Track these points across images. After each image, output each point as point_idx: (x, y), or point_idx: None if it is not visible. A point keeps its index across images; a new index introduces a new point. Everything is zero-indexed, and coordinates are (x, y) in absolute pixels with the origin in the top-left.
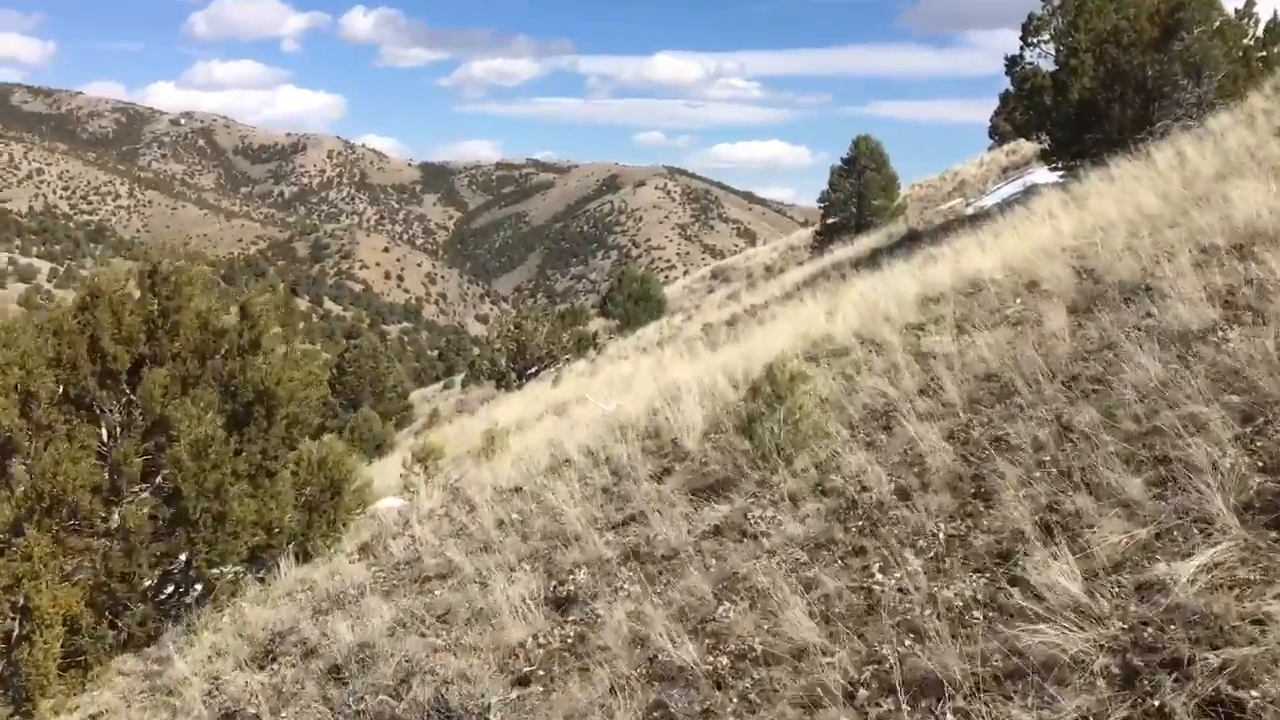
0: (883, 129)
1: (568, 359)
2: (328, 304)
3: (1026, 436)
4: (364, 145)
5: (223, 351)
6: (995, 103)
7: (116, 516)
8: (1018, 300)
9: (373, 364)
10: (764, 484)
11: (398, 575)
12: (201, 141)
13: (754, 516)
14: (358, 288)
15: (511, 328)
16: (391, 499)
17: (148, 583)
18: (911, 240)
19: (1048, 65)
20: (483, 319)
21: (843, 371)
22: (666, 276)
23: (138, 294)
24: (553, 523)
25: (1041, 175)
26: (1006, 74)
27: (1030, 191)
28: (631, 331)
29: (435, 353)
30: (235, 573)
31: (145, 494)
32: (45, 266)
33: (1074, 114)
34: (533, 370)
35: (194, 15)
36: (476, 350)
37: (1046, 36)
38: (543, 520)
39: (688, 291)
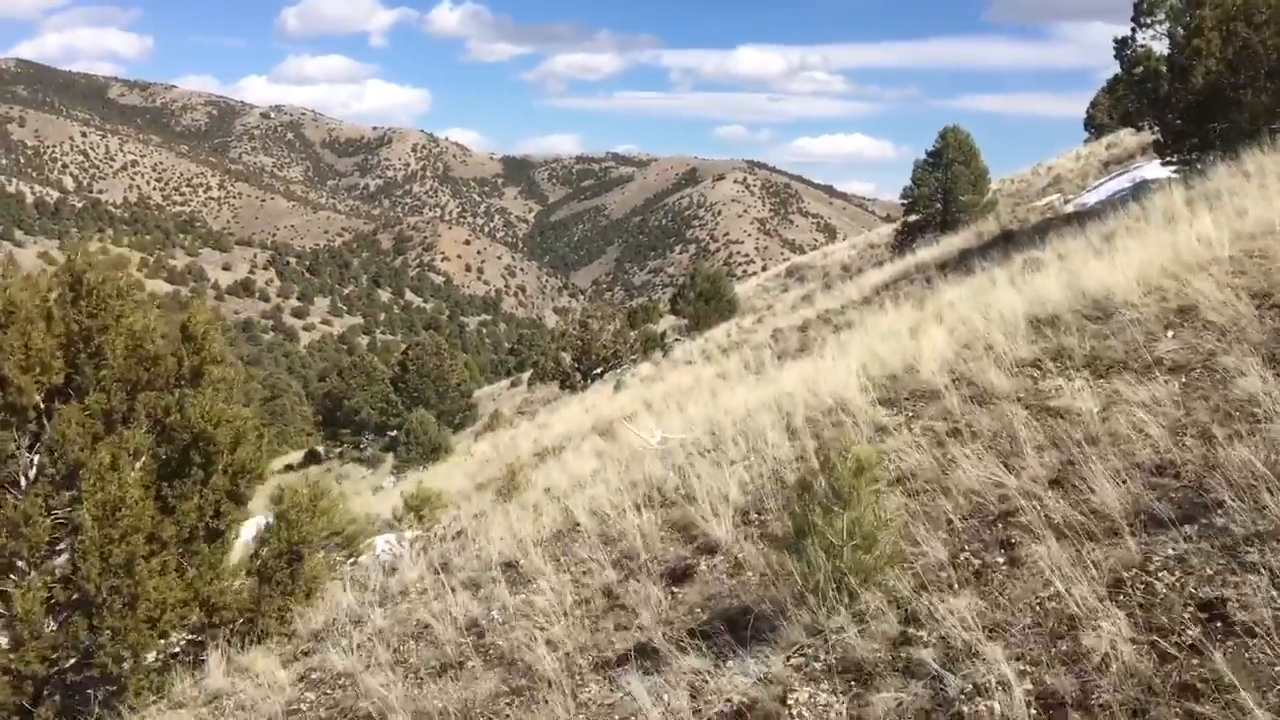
0: (971, 122)
1: (634, 359)
2: (409, 295)
3: (1264, 606)
4: (447, 139)
5: (159, 383)
6: (1089, 95)
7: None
8: (1169, 333)
9: (436, 361)
10: (814, 631)
11: (322, 703)
12: (290, 135)
13: (797, 702)
14: (439, 280)
15: (576, 327)
16: (386, 538)
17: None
18: (1005, 241)
19: (1162, 48)
20: (561, 312)
21: (932, 431)
22: (745, 270)
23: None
24: (528, 649)
25: (1152, 170)
26: (1115, 58)
27: (1140, 188)
28: (700, 332)
29: (508, 347)
30: (158, 664)
31: (60, 561)
32: (136, 256)
33: (1195, 101)
34: (598, 370)
35: (286, 10)
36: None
37: (1161, 16)
38: (519, 635)
39: (761, 290)
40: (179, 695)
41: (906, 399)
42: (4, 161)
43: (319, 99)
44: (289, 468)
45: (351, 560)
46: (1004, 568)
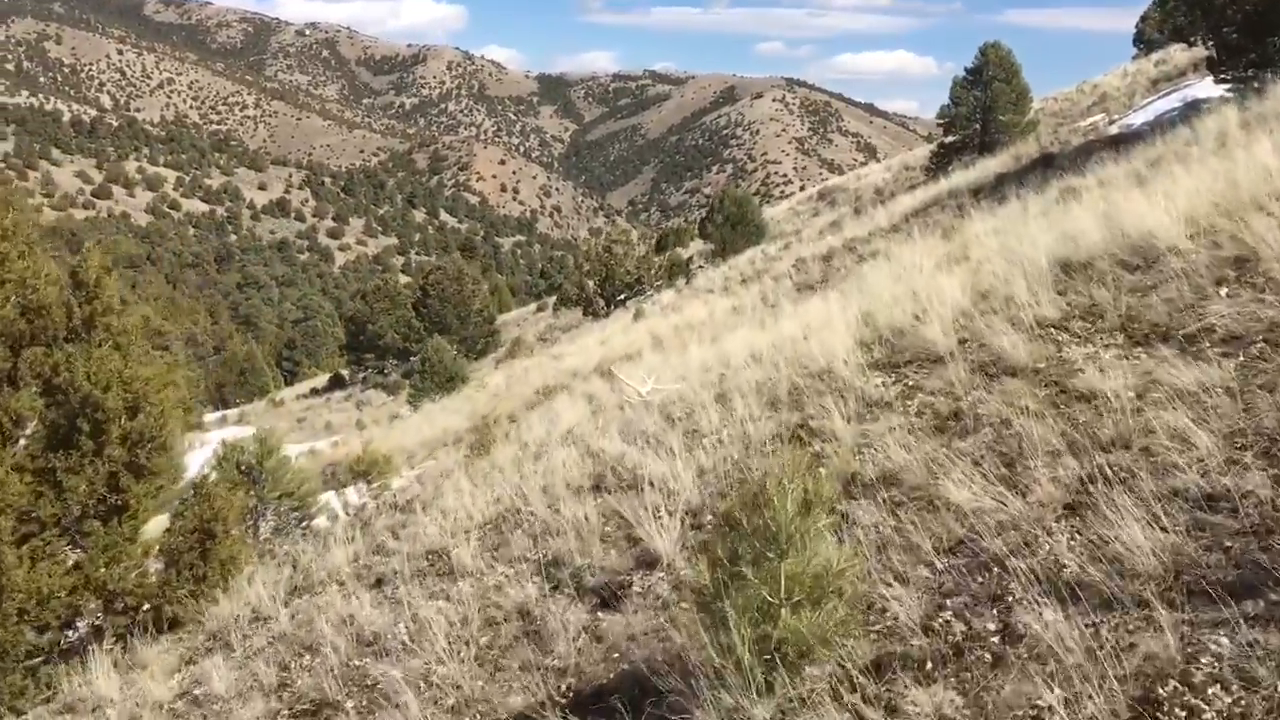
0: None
1: (659, 284)
2: (444, 216)
3: None
4: (483, 57)
5: (44, 337)
6: (1139, 9)
7: None
8: (1221, 291)
9: (457, 287)
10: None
11: None
12: (325, 52)
13: None
14: (473, 200)
15: (600, 251)
16: (334, 496)
17: None
18: (1044, 165)
19: None
20: (596, 233)
21: (929, 411)
22: (782, 191)
23: None
24: (405, 685)
25: (1204, 89)
26: None
27: (1191, 108)
28: (726, 258)
29: (539, 269)
30: (42, 659)
31: None
32: (172, 175)
33: (1253, 12)
34: (622, 297)
35: None
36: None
37: None
38: (415, 664)
39: (792, 214)
40: (69, 696)
41: (908, 363)
42: (42, 80)
43: (354, 16)
44: (314, 391)
45: (303, 524)
46: (994, 643)
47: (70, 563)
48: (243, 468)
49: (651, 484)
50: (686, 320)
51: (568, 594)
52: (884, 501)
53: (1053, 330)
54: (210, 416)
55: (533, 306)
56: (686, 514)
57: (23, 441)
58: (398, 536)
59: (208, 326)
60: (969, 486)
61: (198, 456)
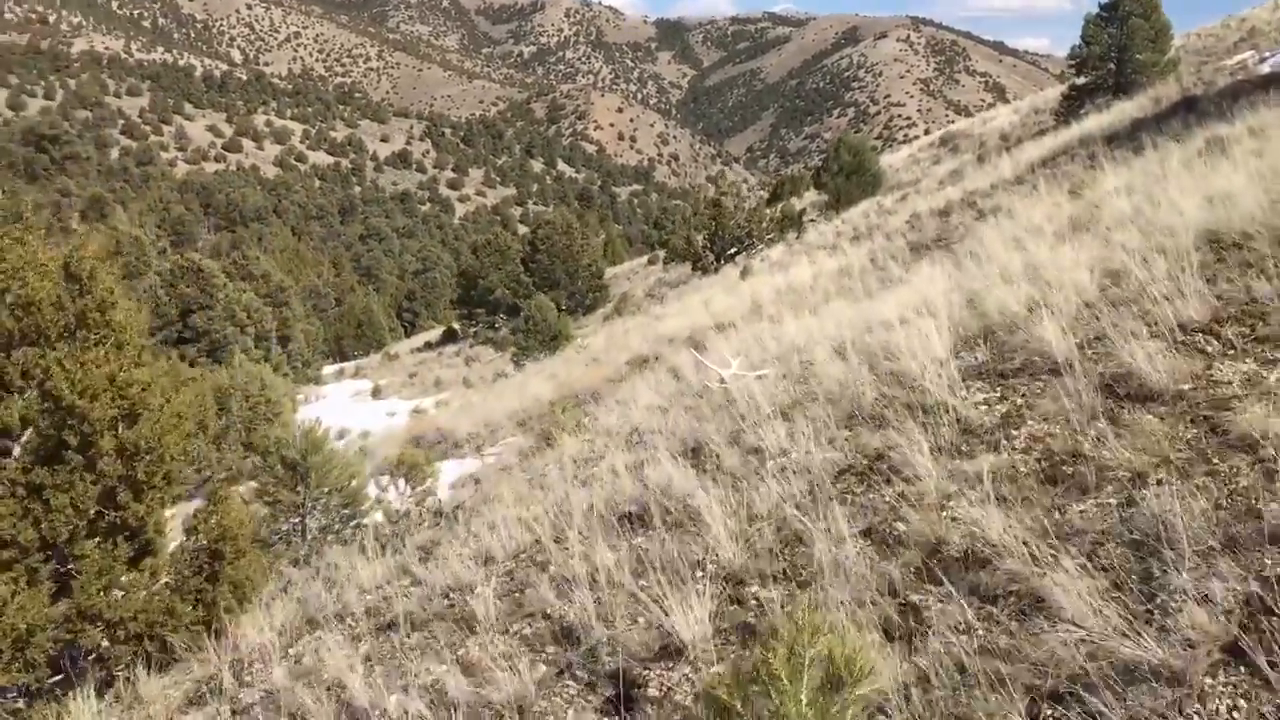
0: None
1: (771, 238)
2: (561, 166)
3: None
4: (600, 3)
5: (34, 336)
6: None
7: None
8: None
9: (566, 241)
10: None
11: None
12: (445, 2)
13: None
14: (591, 149)
15: (709, 204)
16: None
17: None
18: (1186, 109)
19: None
20: (714, 180)
21: (1039, 448)
22: (905, 134)
23: None
24: None
25: None
26: None
27: None
28: (840, 211)
29: (652, 220)
30: (18, 700)
31: None
32: (298, 128)
33: None
34: (731, 251)
35: None
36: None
37: None
38: None
39: (911, 161)
40: None
41: (1017, 371)
42: (175, 36)
43: None
44: (428, 345)
45: (354, 524)
46: None
47: (54, 589)
48: (288, 462)
49: (694, 525)
50: (790, 283)
51: (578, 681)
52: (970, 594)
53: (1199, 337)
54: (328, 369)
55: (644, 259)
56: (725, 579)
57: (16, 453)
58: (425, 559)
59: (331, 278)
60: (1085, 598)
61: (313, 409)
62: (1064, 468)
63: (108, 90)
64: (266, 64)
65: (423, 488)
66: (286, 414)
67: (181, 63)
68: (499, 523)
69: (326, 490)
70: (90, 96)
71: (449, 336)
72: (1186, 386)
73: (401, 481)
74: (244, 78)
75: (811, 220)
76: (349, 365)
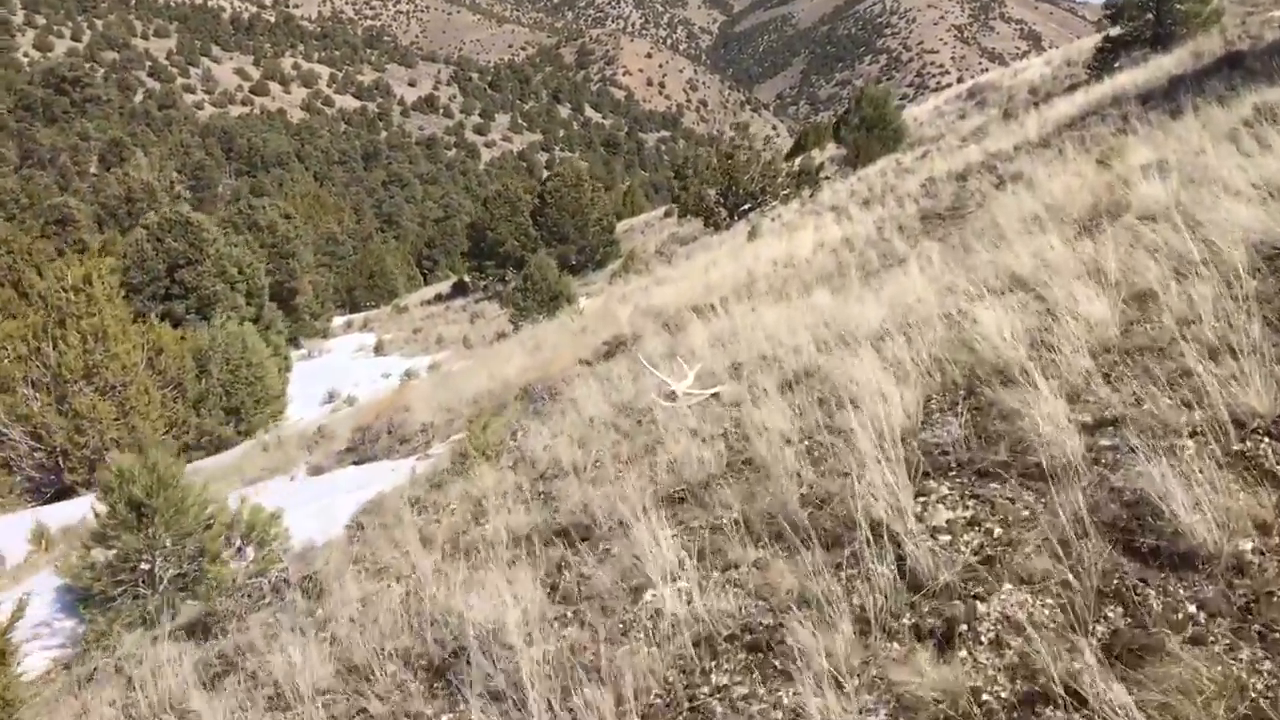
0: None
1: (786, 194)
2: (588, 111)
3: None
4: None
5: None
6: None
7: None
8: None
9: (575, 194)
10: None
11: None
12: None
13: None
14: (619, 95)
15: (721, 158)
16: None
17: None
18: (1230, 65)
19: None
20: (742, 127)
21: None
22: (938, 83)
23: None
24: None
25: None
26: None
27: None
28: (858, 167)
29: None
30: None
31: None
32: (326, 72)
33: None
34: (745, 206)
35: None
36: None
37: None
38: None
39: (936, 114)
40: None
41: (998, 469)
42: None
43: None
44: (439, 297)
45: (211, 578)
46: None
47: None
48: (132, 501)
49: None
50: (790, 253)
51: None
52: None
53: (1265, 444)
54: (338, 321)
55: (662, 210)
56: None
57: None
58: (240, 663)
59: (351, 225)
60: None
61: (313, 365)
62: (1043, 703)
63: (135, 31)
64: (296, 6)
65: (266, 552)
66: (270, 377)
67: (209, 4)
68: (354, 594)
69: (181, 535)
70: (117, 37)
71: (459, 289)
72: (1247, 548)
73: (248, 548)
74: (272, 20)
75: (827, 177)
76: (358, 317)
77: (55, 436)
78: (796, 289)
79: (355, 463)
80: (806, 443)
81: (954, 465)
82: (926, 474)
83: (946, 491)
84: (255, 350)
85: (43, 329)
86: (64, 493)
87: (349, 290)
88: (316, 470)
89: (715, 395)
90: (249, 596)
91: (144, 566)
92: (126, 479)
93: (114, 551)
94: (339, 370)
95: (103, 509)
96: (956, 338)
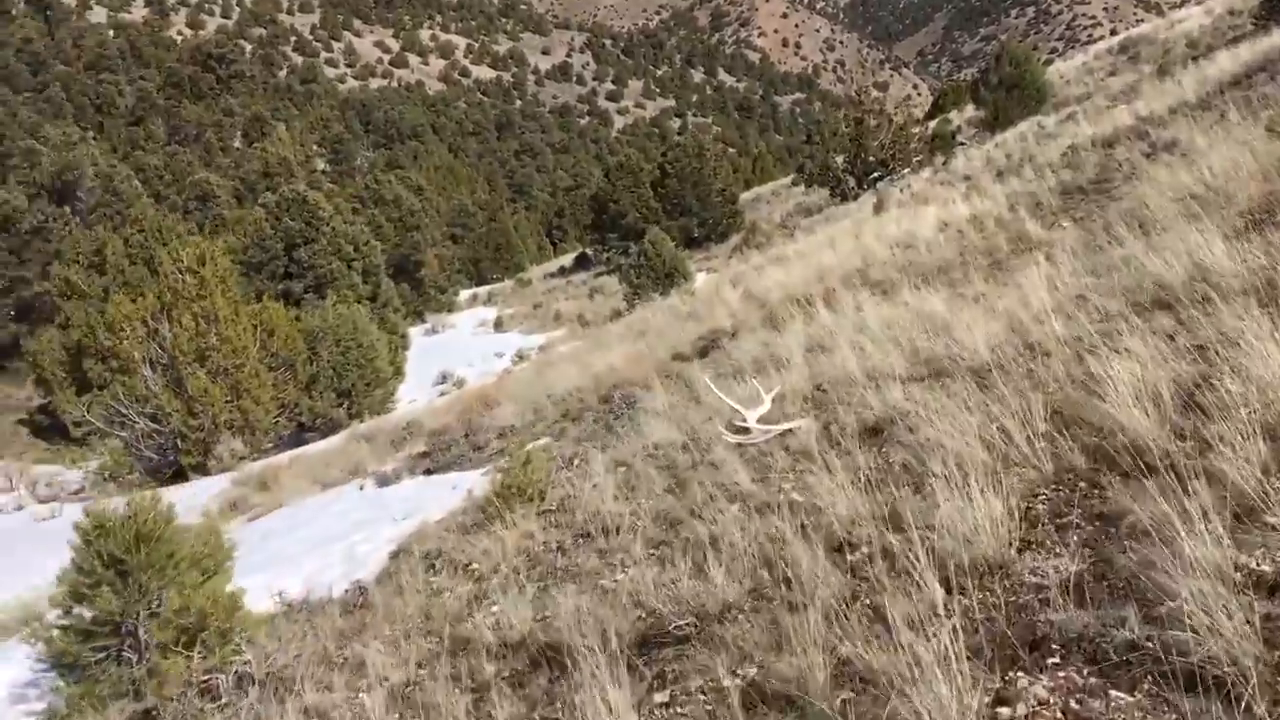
0: None
1: (919, 160)
2: (722, 75)
3: None
4: None
5: None
6: None
7: None
8: None
9: (697, 164)
10: None
11: None
12: None
13: None
14: (754, 57)
15: (850, 124)
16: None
17: None
18: None
19: None
20: (881, 87)
21: None
22: (1090, 36)
23: None
24: None
25: None
26: None
27: None
28: (997, 131)
29: (803, 135)
30: None
31: None
32: (462, 42)
33: None
34: (875, 175)
35: None
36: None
37: None
38: None
39: (1084, 71)
40: None
41: (1135, 642)
42: None
43: None
44: (562, 270)
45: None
46: None
47: None
48: (107, 559)
49: None
50: (910, 234)
51: None
52: None
53: None
54: (464, 294)
55: (790, 178)
56: None
57: None
58: None
59: (483, 196)
60: None
61: (436, 341)
62: None
63: (281, 7)
64: None
65: (225, 649)
66: (380, 359)
67: None
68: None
69: (166, 595)
70: (264, 14)
71: (582, 262)
72: None
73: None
74: None
75: (962, 143)
76: (483, 290)
77: (171, 419)
78: (911, 281)
79: (427, 471)
80: (865, 550)
81: (1058, 642)
82: (1014, 659)
83: (1039, 702)
84: (366, 331)
85: (161, 310)
86: (179, 474)
87: (475, 263)
88: (384, 480)
89: (790, 431)
90: (204, 694)
91: (127, 630)
92: (104, 530)
93: (91, 614)
94: (458, 347)
95: (80, 563)
96: (1079, 385)
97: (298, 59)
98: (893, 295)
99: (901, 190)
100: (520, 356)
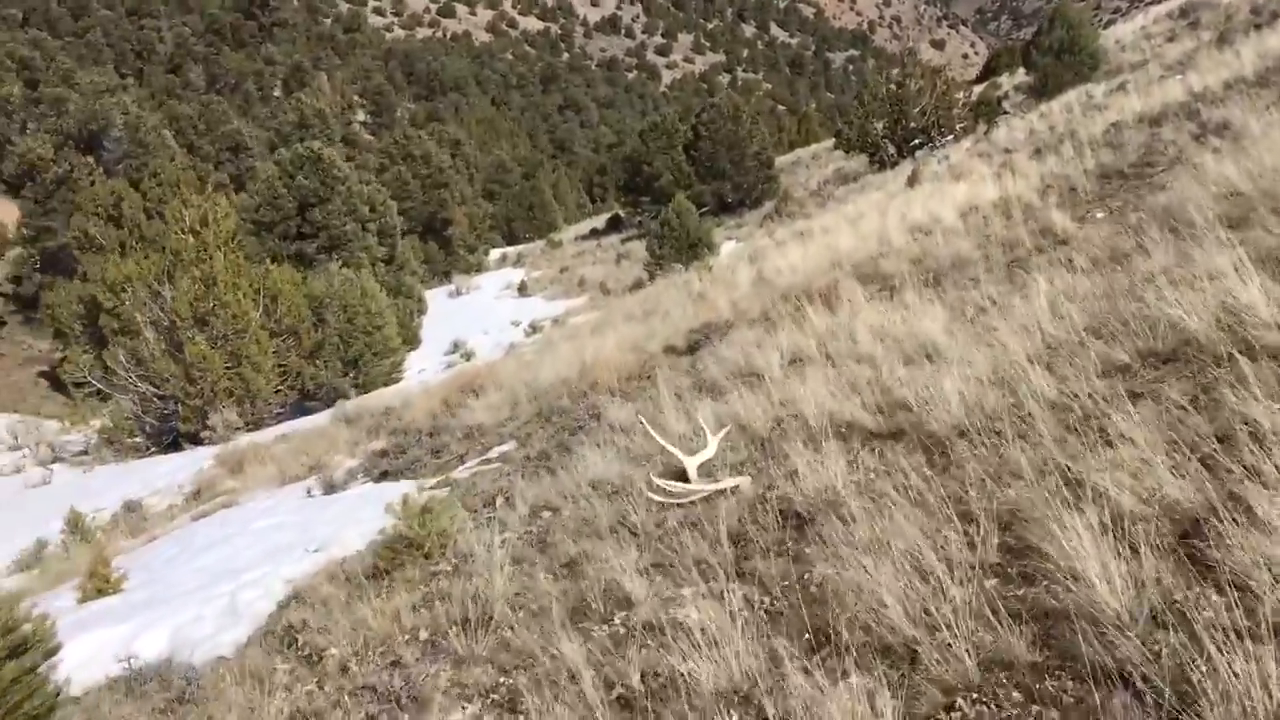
0: None
1: (963, 127)
2: (774, 30)
3: None
4: None
5: None
6: None
7: None
8: None
9: (732, 127)
10: None
11: None
12: None
13: None
14: (808, 12)
15: (890, 87)
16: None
17: None
18: None
19: None
20: (938, 44)
21: None
22: None
23: None
24: None
25: None
26: None
27: None
28: (1044, 99)
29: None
30: None
31: None
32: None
33: None
34: (916, 142)
35: None
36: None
37: None
38: None
39: (1142, 35)
40: None
41: None
42: None
43: None
44: (594, 232)
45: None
46: None
47: None
48: None
49: None
50: (934, 216)
51: None
52: None
53: None
54: (493, 254)
55: (832, 141)
56: None
57: None
58: None
59: (523, 151)
60: None
61: (459, 304)
62: None
63: None
64: None
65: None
66: (389, 327)
67: None
68: None
69: None
70: None
71: (614, 224)
72: None
73: None
74: None
75: (1007, 111)
76: (513, 251)
77: (169, 384)
78: (918, 280)
79: (382, 474)
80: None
81: None
82: None
83: None
84: (374, 297)
85: (163, 271)
86: (175, 444)
87: (509, 221)
88: (330, 487)
89: (732, 490)
90: None
91: None
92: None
93: None
94: (478, 312)
95: None
96: (1049, 489)
97: (344, 6)
98: (897, 295)
99: (939, 162)
100: (534, 328)
